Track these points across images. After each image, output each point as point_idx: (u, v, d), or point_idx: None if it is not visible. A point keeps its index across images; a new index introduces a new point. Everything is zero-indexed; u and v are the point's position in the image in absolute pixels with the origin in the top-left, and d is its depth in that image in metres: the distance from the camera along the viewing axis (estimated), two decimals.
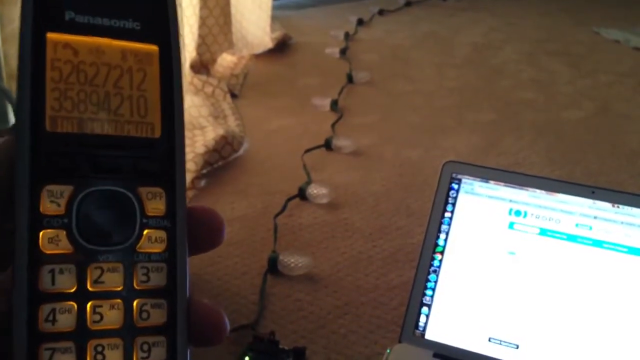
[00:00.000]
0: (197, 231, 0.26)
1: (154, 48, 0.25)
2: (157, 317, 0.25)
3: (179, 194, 0.26)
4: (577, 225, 0.76)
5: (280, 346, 0.75)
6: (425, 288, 0.78)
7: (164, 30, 0.25)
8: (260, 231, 1.03)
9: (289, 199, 1.12)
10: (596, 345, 0.72)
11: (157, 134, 0.26)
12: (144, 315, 0.25)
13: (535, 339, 0.73)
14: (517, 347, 0.73)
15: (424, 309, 0.77)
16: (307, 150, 1.32)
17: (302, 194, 1.14)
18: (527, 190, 0.79)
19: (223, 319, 0.26)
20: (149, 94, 0.26)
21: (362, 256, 0.97)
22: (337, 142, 1.37)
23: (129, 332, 0.24)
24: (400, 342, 0.77)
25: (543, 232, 0.77)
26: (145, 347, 0.24)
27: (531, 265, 0.76)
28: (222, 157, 1.25)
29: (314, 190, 1.14)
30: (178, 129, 0.26)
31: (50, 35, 0.24)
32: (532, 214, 0.78)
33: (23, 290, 0.23)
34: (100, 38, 0.25)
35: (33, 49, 0.24)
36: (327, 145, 1.36)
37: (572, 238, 0.76)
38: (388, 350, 0.75)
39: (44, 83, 0.24)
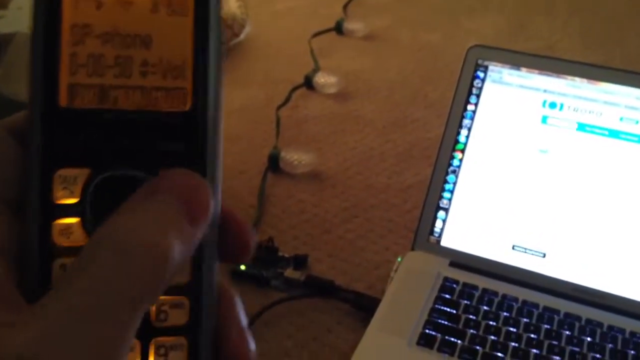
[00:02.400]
0: (222, 240, 0.23)
1: None
2: (177, 317, 0.22)
3: (211, 179, 0.22)
4: (621, 119, 0.66)
5: (280, 253, 0.68)
6: (443, 190, 0.69)
7: None
8: (261, 125, 0.93)
9: (294, 89, 1.02)
10: (635, 254, 0.63)
11: (188, 105, 0.22)
12: (162, 316, 0.22)
13: (564, 247, 0.65)
14: (544, 256, 0.65)
15: (441, 213, 0.69)
16: (316, 34, 1.20)
17: (308, 83, 1.03)
18: (564, 78, 0.68)
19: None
20: (181, 52, 0.22)
21: (374, 152, 0.88)
22: (349, 25, 1.24)
23: (145, 333, 0.21)
24: (413, 249, 0.69)
25: (581, 127, 0.66)
26: (162, 350, 0.22)
27: (566, 165, 0.66)
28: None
29: (321, 78, 1.03)
30: (213, 99, 0.22)
31: None
32: (569, 106, 0.67)
33: (33, 286, 0.21)
34: None
35: (47, 3, 0.21)
36: (338, 28, 1.24)
37: (615, 134, 0.65)
38: (399, 259, 0.68)
39: (59, 46, 0.21)
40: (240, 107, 0.97)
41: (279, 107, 0.96)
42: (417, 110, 0.99)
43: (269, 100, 0.99)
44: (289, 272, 0.66)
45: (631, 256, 0.63)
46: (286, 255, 0.68)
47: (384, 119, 0.96)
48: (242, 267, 0.66)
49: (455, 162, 0.69)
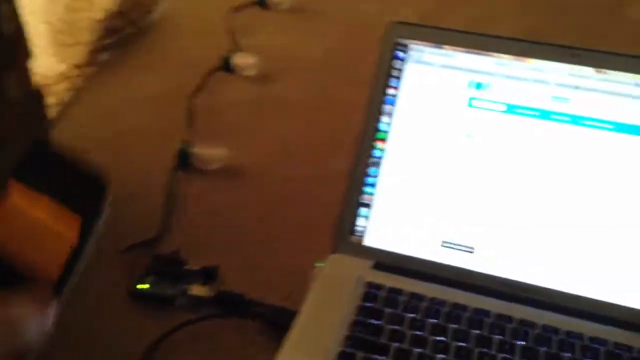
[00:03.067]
0: None
1: None
2: None
3: None
4: (553, 98, 0.60)
5: (187, 267, 0.61)
6: (364, 184, 0.63)
7: None
8: (172, 115, 0.85)
9: (210, 73, 0.93)
10: (571, 244, 0.58)
11: None
12: None
13: (494, 240, 0.60)
14: (473, 251, 0.60)
15: (363, 210, 0.63)
16: (237, 9, 1.11)
17: (226, 65, 0.95)
18: (491, 56, 0.61)
19: None
20: None
21: (297, 140, 0.81)
22: None
23: None
24: (334, 252, 0.63)
25: (510, 108, 0.60)
26: None
27: (494, 151, 0.60)
28: (131, 22, 1.03)
29: (240, 59, 0.95)
30: None
31: None
32: (497, 87, 0.61)
33: None
34: None
35: None
36: (261, 1, 1.14)
37: (545, 114, 0.60)
38: (318, 264, 0.61)
39: None
40: (151, 96, 0.88)
41: (191, 95, 0.88)
42: (345, 91, 0.91)
43: (183, 87, 0.90)
44: (196, 289, 0.59)
45: (565, 246, 0.58)
46: (195, 268, 0.61)
47: (308, 102, 0.89)
48: (143, 286, 0.58)
49: (377, 153, 0.63)
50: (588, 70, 0.59)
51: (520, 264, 0.59)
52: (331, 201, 0.72)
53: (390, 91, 0.63)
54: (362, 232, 0.63)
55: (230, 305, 0.57)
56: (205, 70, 0.93)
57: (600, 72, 0.59)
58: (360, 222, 0.63)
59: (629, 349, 0.54)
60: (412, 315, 0.56)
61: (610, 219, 0.58)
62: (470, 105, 0.61)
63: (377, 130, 0.63)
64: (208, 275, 0.60)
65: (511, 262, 0.59)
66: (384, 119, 0.63)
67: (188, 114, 0.83)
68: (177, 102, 0.86)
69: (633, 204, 0.57)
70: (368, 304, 0.57)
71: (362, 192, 0.63)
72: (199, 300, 0.58)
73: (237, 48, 0.98)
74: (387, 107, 0.63)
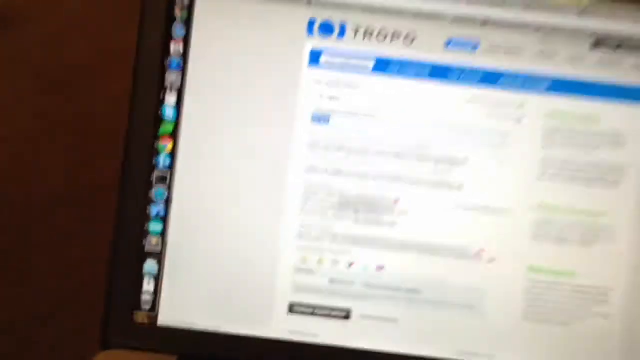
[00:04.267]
0: None
1: None
2: None
3: None
4: (448, 43, 0.36)
5: None
6: (147, 219, 0.35)
7: None
8: None
9: None
10: None
11: None
12: None
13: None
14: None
15: (149, 264, 0.35)
16: None
17: None
18: None
19: None
20: None
21: (19, 143, 0.49)
22: None
23: None
24: (104, 346, 0.35)
25: (381, 64, 0.36)
26: None
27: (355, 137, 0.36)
28: None
29: None
30: None
31: None
32: (357, 28, 0.36)
33: None
34: None
35: None
36: None
37: (440, 73, 0.36)
38: None
39: None
40: None
41: None
42: (91, 57, 0.59)
43: None
44: None
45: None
46: None
47: (40, 81, 0.56)
48: None
49: (163, 160, 0.35)
50: None
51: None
52: (81, 255, 0.43)
53: (175, 47, 0.35)
54: (153, 302, 0.35)
55: None
56: None
57: None
58: (147, 286, 0.35)
59: None
60: None
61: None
62: (314, 62, 0.35)
63: (159, 119, 0.35)
64: None
65: None
66: (169, 98, 0.35)
67: None
68: None
69: None
70: None
71: (145, 234, 0.35)
72: None
73: None
74: (171, 77, 0.35)
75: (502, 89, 0.33)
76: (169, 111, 0.35)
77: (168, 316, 0.35)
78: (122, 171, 0.36)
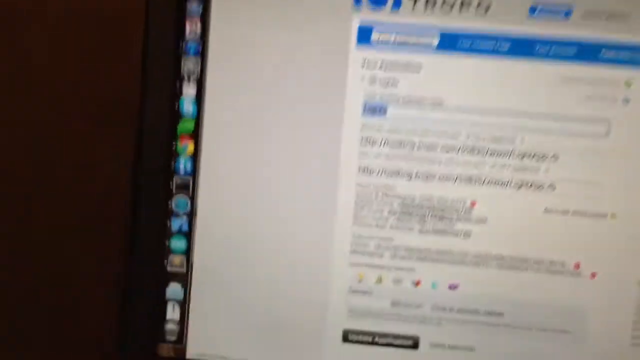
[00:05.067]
0: None
1: None
2: None
3: None
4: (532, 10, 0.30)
5: None
6: (165, 236, 0.29)
7: None
8: None
9: None
10: None
11: None
12: None
13: None
14: None
15: (174, 289, 0.29)
16: None
17: None
18: None
19: None
20: None
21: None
22: None
23: None
24: None
25: (447, 40, 0.29)
26: None
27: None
28: None
29: None
30: None
31: None
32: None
33: None
34: None
35: None
36: None
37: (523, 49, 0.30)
38: None
39: None
40: None
41: None
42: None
43: None
44: None
45: None
46: None
47: None
48: None
49: (184, 165, 0.29)
50: None
51: None
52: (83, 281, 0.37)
53: (191, 33, 0.29)
54: (179, 333, 0.30)
55: None
56: None
57: None
58: (171, 313, 0.30)
59: None
60: None
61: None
62: (364, 41, 0.29)
63: (177, 115, 0.29)
64: None
65: None
66: (186, 90, 0.29)
67: None
68: None
69: None
70: None
71: (164, 252, 0.29)
72: None
73: None
74: (188, 66, 0.29)
75: (603, 64, 0.27)
76: (187, 106, 0.29)
77: (197, 349, 0.30)
78: (133, 177, 0.30)
